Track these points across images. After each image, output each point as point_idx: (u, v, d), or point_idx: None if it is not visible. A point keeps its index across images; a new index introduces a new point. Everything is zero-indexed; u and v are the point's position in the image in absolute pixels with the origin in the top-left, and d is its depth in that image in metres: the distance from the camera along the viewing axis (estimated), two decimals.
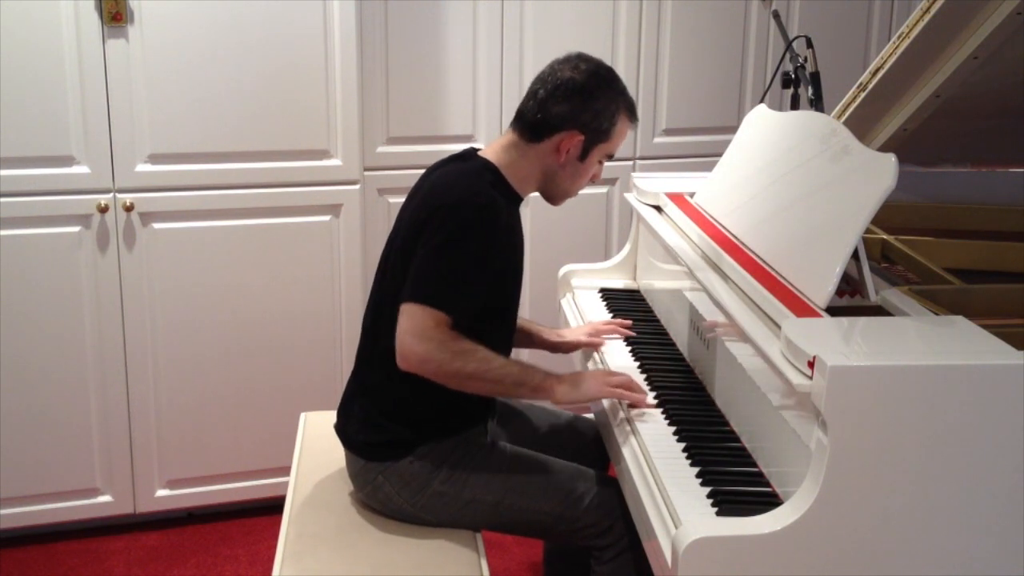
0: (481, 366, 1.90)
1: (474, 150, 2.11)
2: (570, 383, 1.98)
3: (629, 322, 2.42)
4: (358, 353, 2.15)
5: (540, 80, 2.05)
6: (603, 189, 3.47)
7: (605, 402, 2.08)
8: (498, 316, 2.05)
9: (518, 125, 2.06)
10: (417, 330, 1.87)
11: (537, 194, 2.13)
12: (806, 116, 2.17)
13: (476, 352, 1.90)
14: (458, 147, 3.31)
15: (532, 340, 2.36)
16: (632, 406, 1.99)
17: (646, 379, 2.13)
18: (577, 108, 2.00)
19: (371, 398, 2.07)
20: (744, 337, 1.77)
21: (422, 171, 2.15)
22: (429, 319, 1.87)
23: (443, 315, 1.88)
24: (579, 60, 2.05)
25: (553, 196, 2.13)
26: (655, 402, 2.01)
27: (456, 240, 1.90)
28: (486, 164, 2.04)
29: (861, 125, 2.38)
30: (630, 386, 2.01)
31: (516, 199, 2.07)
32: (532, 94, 2.05)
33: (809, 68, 2.44)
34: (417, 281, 1.91)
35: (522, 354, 3.04)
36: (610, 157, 2.11)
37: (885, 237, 2.27)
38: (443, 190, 1.97)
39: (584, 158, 2.05)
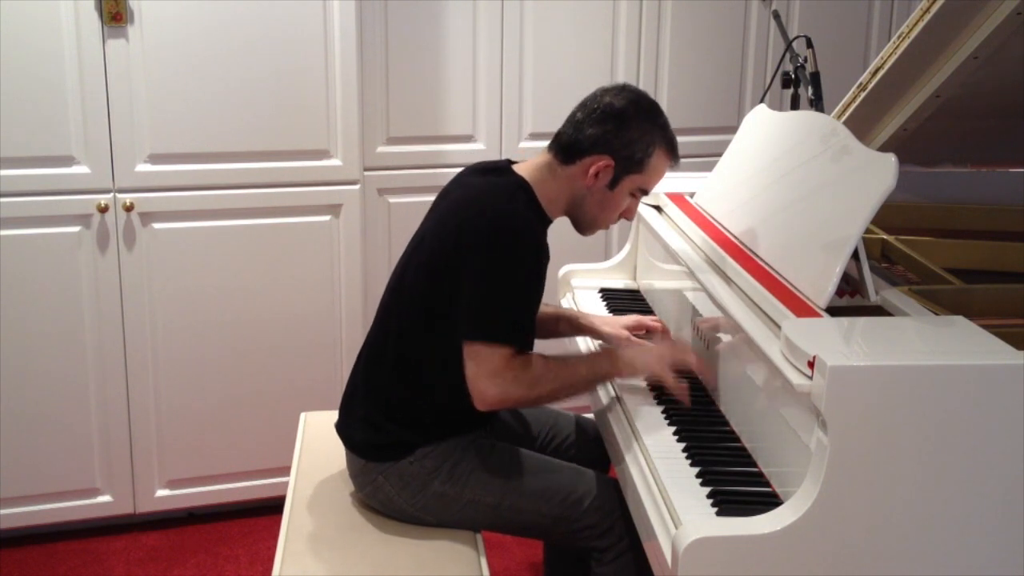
0: (555, 384, 1.94)
1: (509, 163, 2.08)
2: (628, 363, 2.03)
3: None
4: (362, 351, 2.14)
5: (581, 104, 2.04)
6: None
7: (604, 401, 2.09)
8: None
9: (554, 146, 2.04)
10: (488, 373, 1.88)
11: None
12: (806, 116, 2.16)
13: (547, 372, 1.93)
14: (458, 147, 3.30)
15: (559, 326, 2.30)
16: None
17: (646, 379, 2.13)
18: (610, 133, 1.98)
19: (373, 398, 2.06)
20: (744, 337, 1.77)
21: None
22: (498, 358, 1.88)
23: (508, 349, 1.89)
24: (623, 89, 2.03)
25: (581, 224, 2.09)
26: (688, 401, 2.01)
27: (504, 268, 1.89)
28: (520, 183, 2.00)
29: (861, 125, 2.38)
30: (696, 367, 2.03)
31: (545, 220, 2.04)
32: (571, 116, 2.04)
33: (809, 68, 2.44)
34: (473, 317, 1.90)
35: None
36: (645, 192, 2.06)
37: (885, 237, 2.27)
38: (480, 208, 1.93)
39: (614, 187, 2.01)
